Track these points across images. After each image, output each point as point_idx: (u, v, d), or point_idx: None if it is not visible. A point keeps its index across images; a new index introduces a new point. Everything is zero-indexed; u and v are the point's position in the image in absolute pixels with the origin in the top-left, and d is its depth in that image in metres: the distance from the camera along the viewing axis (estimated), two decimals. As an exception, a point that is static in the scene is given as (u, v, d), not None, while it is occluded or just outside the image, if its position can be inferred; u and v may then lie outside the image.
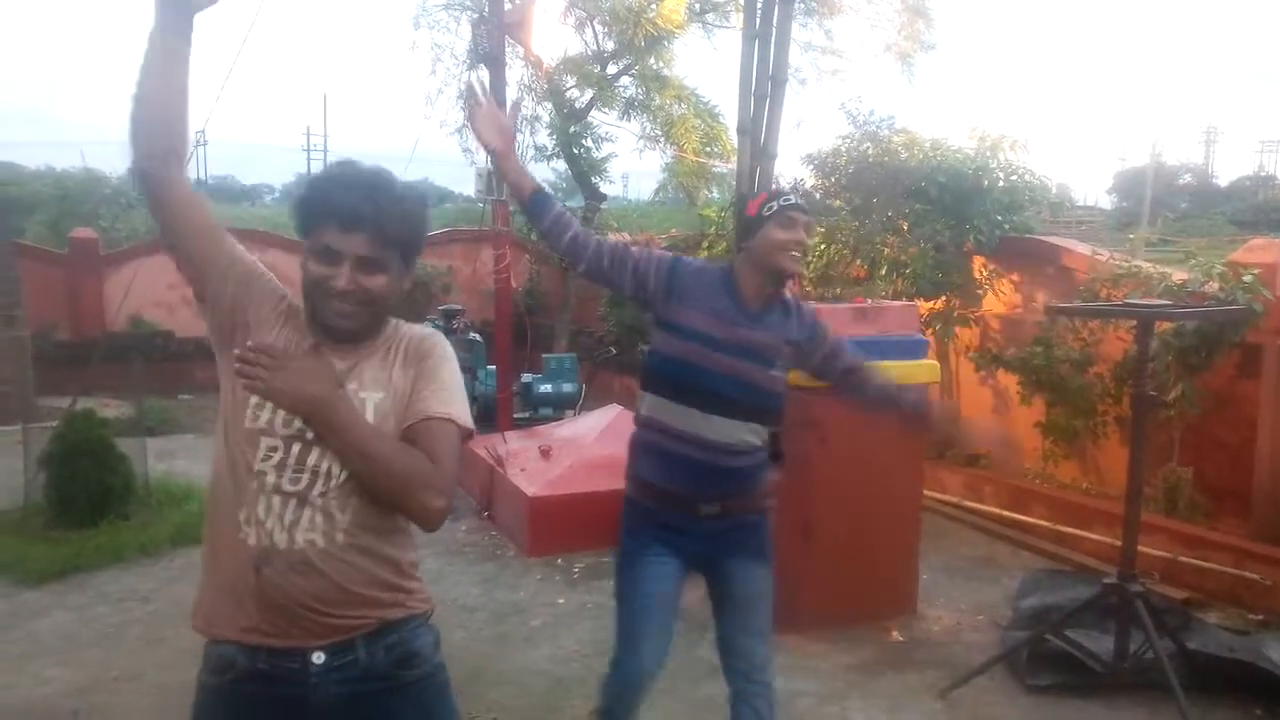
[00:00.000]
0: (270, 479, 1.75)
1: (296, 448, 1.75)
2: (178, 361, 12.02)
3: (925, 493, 5.63)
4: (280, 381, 1.71)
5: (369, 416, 1.78)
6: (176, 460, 7.87)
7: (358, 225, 1.74)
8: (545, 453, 6.45)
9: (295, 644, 1.76)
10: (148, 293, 12.65)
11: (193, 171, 26.75)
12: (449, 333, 8.91)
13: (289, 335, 1.83)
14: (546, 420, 8.27)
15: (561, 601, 5.06)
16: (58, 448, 5.94)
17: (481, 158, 9.87)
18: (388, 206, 1.77)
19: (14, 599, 5.06)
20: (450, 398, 1.85)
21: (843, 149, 7.58)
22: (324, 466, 1.75)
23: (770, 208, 2.75)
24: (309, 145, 46.98)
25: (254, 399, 1.76)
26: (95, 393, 8.15)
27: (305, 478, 1.75)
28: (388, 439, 1.78)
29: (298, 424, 1.75)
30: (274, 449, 1.75)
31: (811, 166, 7.70)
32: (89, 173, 22.08)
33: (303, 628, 1.75)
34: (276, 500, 1.74)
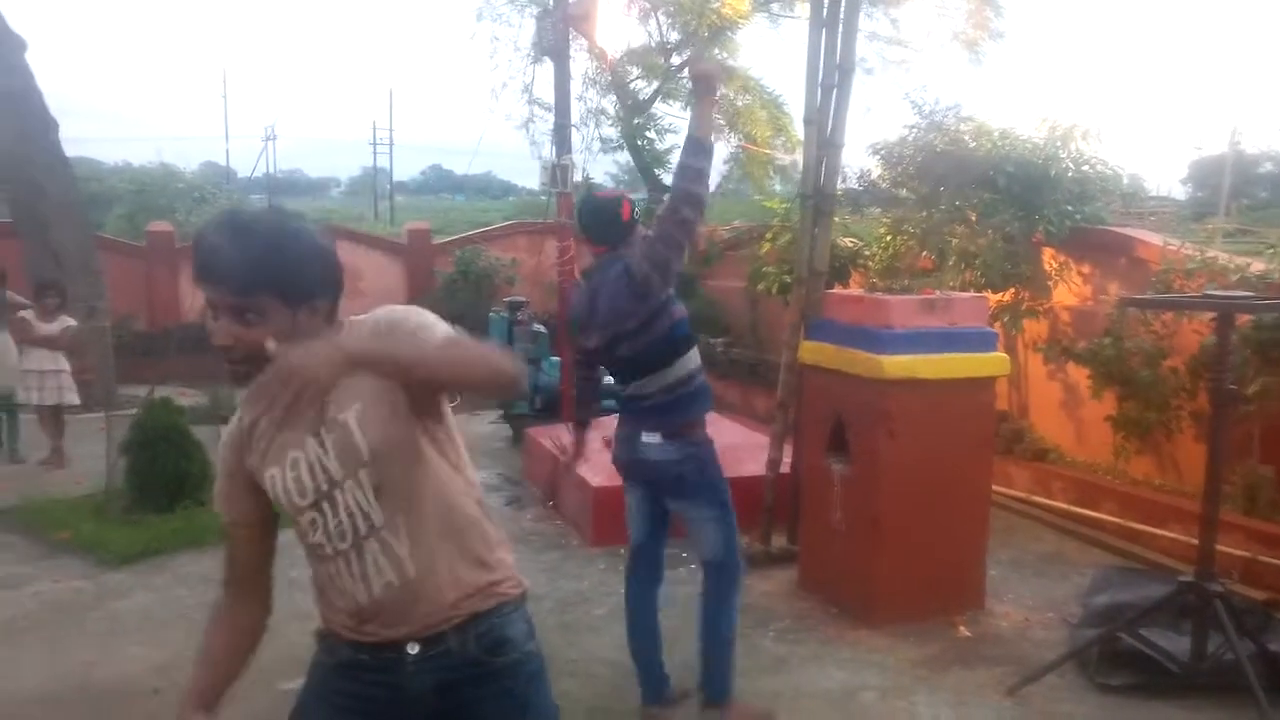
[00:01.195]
0: (327, 548, 1.79)
1: (326, 506, 1.78)
2: (250, 351, 12.31)
3: (993, 488, 5.56)
4: (304, 363, 1.56)
5: (355, 437, 1.73)
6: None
7: (216, 277, 1.67)
8: (608, 443, 6.47)
9: (392, 639, 1.82)
10: (221, 284, 12.94)
11: (261, 166, 27.27)
12: (514, 324, 9.00)
13: (259, 410, 1.84)
14: (609, 412, 8.29)
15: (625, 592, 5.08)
16: (137, 435, 6.13)
17: (547, 151, 9.95)
18: (243, 251, 1.66)
19: (98, 579, 5.24)
20: (428, 328, 1.75)
21: (909, 139, 7.49)
22: (353, 502, 1.76)
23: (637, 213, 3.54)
24: (375, 139, 47.51)
25: (279, 489, 1.79)
26: (171, 382, 8.37)
27: (348, 529, 1.77)
28: (424, 343, 1.72)
29: (312, 485, 1.77)
30: (313, 522, 1.79)
31: (878, 156, 7.61)
32: (165, 168, 22.71)
33: (403, 633, 1.82)
34: (341, 563, 1.79)
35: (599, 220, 3.56)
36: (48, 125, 10.20)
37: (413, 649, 1.80)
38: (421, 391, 1.77)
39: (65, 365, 7.73)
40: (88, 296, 9.81)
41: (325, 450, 1.76)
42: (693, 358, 3.53)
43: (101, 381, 9.22)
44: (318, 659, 1.92)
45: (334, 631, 1.87)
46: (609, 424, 7.17)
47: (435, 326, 1.76)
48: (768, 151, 12.50)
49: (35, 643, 4.44)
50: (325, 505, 1.77)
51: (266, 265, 1.67)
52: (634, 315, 3.39)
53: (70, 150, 10.72)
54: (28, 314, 7.61)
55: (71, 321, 7.87)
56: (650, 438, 3.53)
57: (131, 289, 12.46)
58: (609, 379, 9.17)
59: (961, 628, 4.60)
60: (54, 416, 7.75)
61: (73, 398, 7.78)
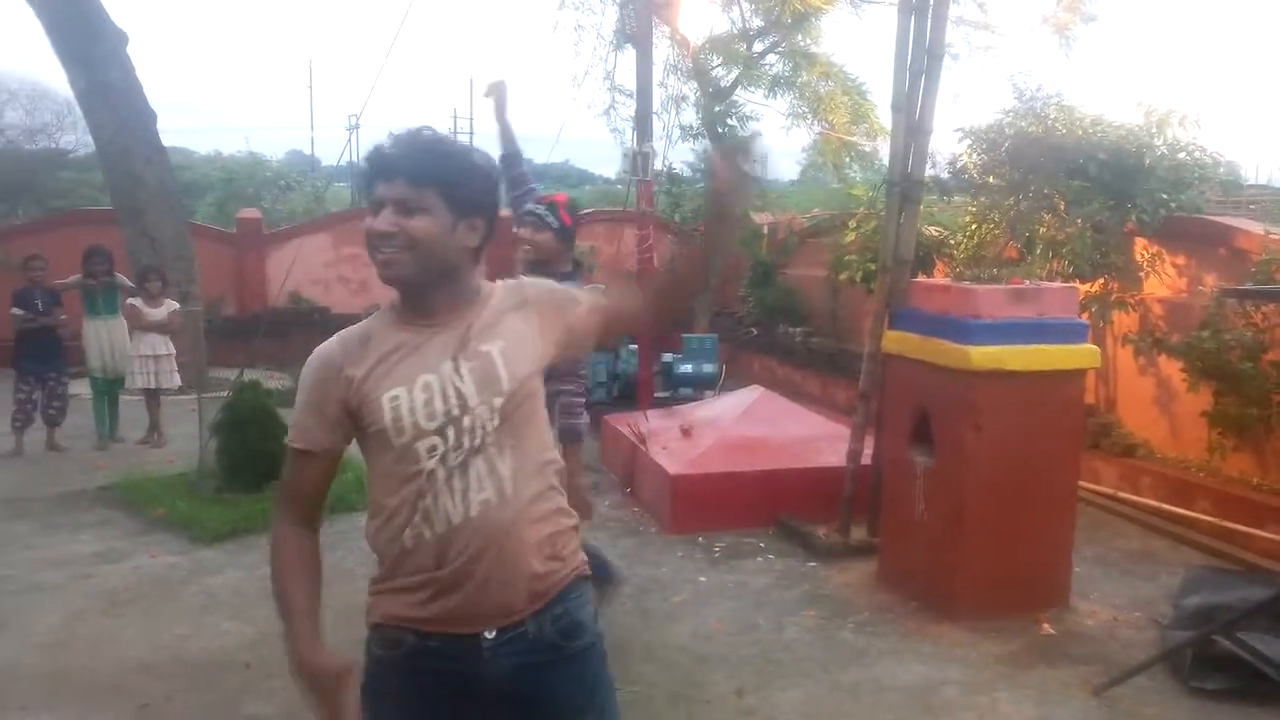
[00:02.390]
0: (440, 472, 1.79)
1: (451, 430, 1.79)
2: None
3: (1080, 483, 5.43)
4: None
5: (498, 367, 1.82)
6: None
7: (392, 171, 1.80)
8: (686, 432, 6.50)
9: (468, 628, 1.82)
10: (306, 270, 13.27)
11: (344, 156, 27.76)
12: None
13: (379, 343, 1.87)
14: (687, 400, 8.31)
15: (703, 580, 5.10)
16: (228, 416, 6.31)
17: (628, 139, 9.96)
18: (421, 149, 1.83)
19: (192, 555, 5.42)
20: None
21: (1005, 124, 7.31)
22: (478, 424, 1.80)
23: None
24: (455, 128, 48.02)
25: (401, 410, 1.79)
26: (259, 365, 8.61)
27: (465, 444, 1.79)
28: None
29: (442, 409, 1.79)
30: (433, 448, 1.79)
31: (969, 141, 7.45)
32: (252, 157, 23.25)
33: (479, 615, 1.81)
34: (443, 477, 1.79)
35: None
36: (147, 117, 10.52)
37: (489, 634, 1.81)
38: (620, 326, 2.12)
39: (174, 349, 7.99)
40: (182, 282, 10.13)
41: (461, 377, 1.81)
42: None
43: (194, 364, 9.51)
44: (376, 655, 1.90)
45: (395, 621, 1.85)
46: (686, 412, 7.22)
47: (577, 292, 2.04)
48: (848, 139, 12.34)
49: (135, 614, 4.62)
50: (450, 429, 1.79)
51: (440, 164, 1.82)
52: None
53: (165, 141, 11.04)
54: (136, 301, 7.88)
55: (176, 305, 8.14)
56: None
57: (221, 274, 12.80)
58: (685, 366, 9.18)
59: (1045, 625, 4.50)
60: (155, 398, 8.02)
61: (177, 380, 8.04)
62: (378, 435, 1.81)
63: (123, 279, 8.13)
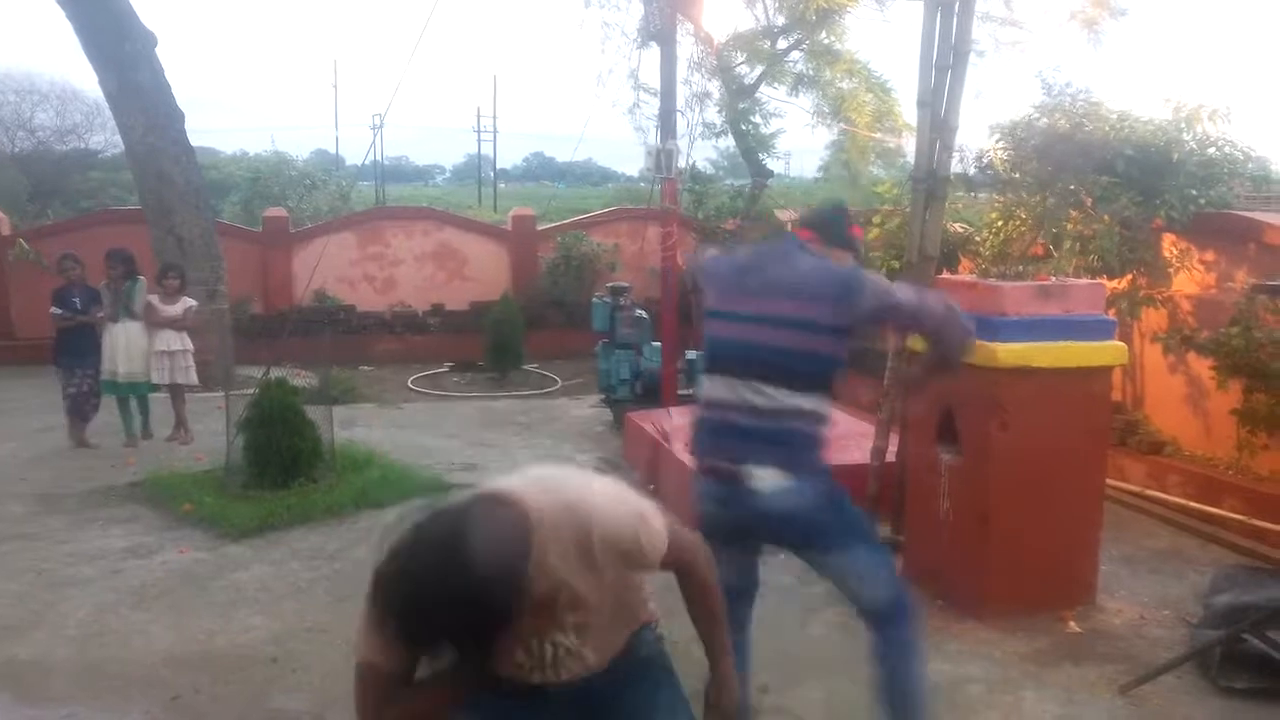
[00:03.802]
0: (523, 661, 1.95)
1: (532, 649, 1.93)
2: (358, 334, 12.67)
3: (1107, 481, 5.39)
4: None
5: (575, 639, 1.95)
6: (357, 428, 8.31)
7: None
8: (709, 429, 6.48)
9: None
10: (332, 269, 13.36)
11: (369, 155, 27.97)
12: (616, 309, 9.06)
13: None
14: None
15: (726, 576, 5.09)
16: (254, 413, 6.36)
17: (652, 137, 9.96)
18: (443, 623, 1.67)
19: (218, 551, 5.47)
20: (642, 539, 1.98)
21: (1034, 120, 7.26)
22: (566, 644, 1.95)
23: None
24: (479, 126, 48.26)
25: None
26: (285, 363, 8.66)
27: (549, 655, 1.95)
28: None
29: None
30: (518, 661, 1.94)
31: (998, 136, 7.41)
32: (278, 156, 23.45)
33: None
34: (531, 666, 1.95)
35: (829, 218, 3.19)
36: (175, 117, 10.63)
37: None
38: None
39: (190, 345, 8.07)
40: (209, 280, 10.23)
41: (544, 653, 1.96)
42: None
43: (221, 362, 9.61)
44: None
45: None
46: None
47: (648, 535, 1.96)
48: (873, 135, 12.29)
49: (163, 609, 4.67)
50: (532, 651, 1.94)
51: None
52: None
53: (192, 140, 11.14)
54: (152, 298, 7.96)
55: (193, 302, 8.19)
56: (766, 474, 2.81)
57: (248, 273, 12.92)
58: (690, 355, 9.11)
59: (1071, 623, 4.47)
60: (179, 394, 8.10)
61: (192, 377, 8.11)
62: None
63: (141, 281, 8.16)
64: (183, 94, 10.84)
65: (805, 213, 3.23)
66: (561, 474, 1.97)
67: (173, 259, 9.44)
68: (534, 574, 1.73)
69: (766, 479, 2.75)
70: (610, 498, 1.93)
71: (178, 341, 7.96)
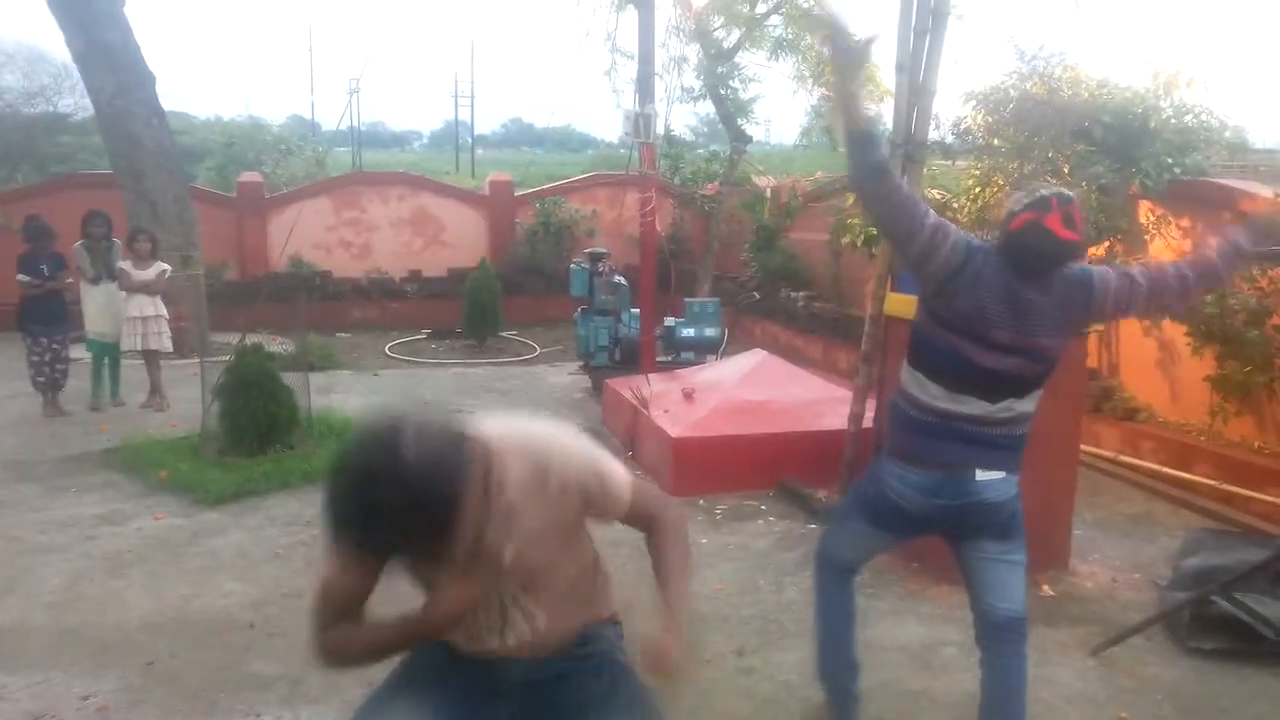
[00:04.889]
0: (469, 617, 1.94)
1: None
2: (335, 300, 12.59)
3: (1081, 447, 5.43)
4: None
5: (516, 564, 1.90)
6: (334, 394, 8.27)
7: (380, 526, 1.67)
8: (688, 395, 6.50)
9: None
10: (308, 234, 13.25)
11: (345, 120, 27.61)
12: (594, 275, 9.03)
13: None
14: (689, 364, 8.31)
15: (704, 541, 5.12)
16: (230, 380, 6.31)
17: (627, 100, 9.88)
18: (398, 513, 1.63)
19: (195, 518, 5.45)
20: (606, 478, 1.98)
21: (1009, 86, 7.25)
22: (512, 596, 1.95)
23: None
24: (457, 92, 47.79)
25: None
26: (261, 329, 8.60)
27: (495, 610, 1.95)
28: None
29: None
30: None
31: (974, 103, 7.39)
32: (253, 121, 23.15)
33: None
34: (483, 619, 1.95)
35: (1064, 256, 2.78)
36: (146, 79, 10.43)
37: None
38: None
39: (164, 311, 7.98)
40: (182, 246, 10.09)
41: (509, 620, 1.98)
42: None
43: (196, 328, 9.51)
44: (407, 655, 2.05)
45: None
46: (688, 375, 7.21)
47: (608, 475, 1.94)
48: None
49: (139, 575, 4.65)
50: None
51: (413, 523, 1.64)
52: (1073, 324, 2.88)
53: (165, 104, 10.94)
54: (124, 264, 7.86)
55: (165, 266, 8.09)
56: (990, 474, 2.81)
57: (223, 239, 12.77)
58: (688, 330, 9.11)
59: (1045, 586, 4.53)
60: (154, 360, 8.03)
61: (166, 344, 8.03)
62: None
63: (118, 243, 8.07)
64: (154, 56, 10.65)
65: (1045, 247, 2.72)
66: (529, 420, 1.97)
67: (145, 223, 9.31)
68: (486, 488, 1.72)
69: (990, 474, 2.80)
70: (575, 440, 1.95)
71: (151, 307, 7.87)
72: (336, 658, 1.91)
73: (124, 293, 7.79)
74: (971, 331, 2.73)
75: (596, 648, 2.03)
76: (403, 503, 1.58)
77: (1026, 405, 2.83)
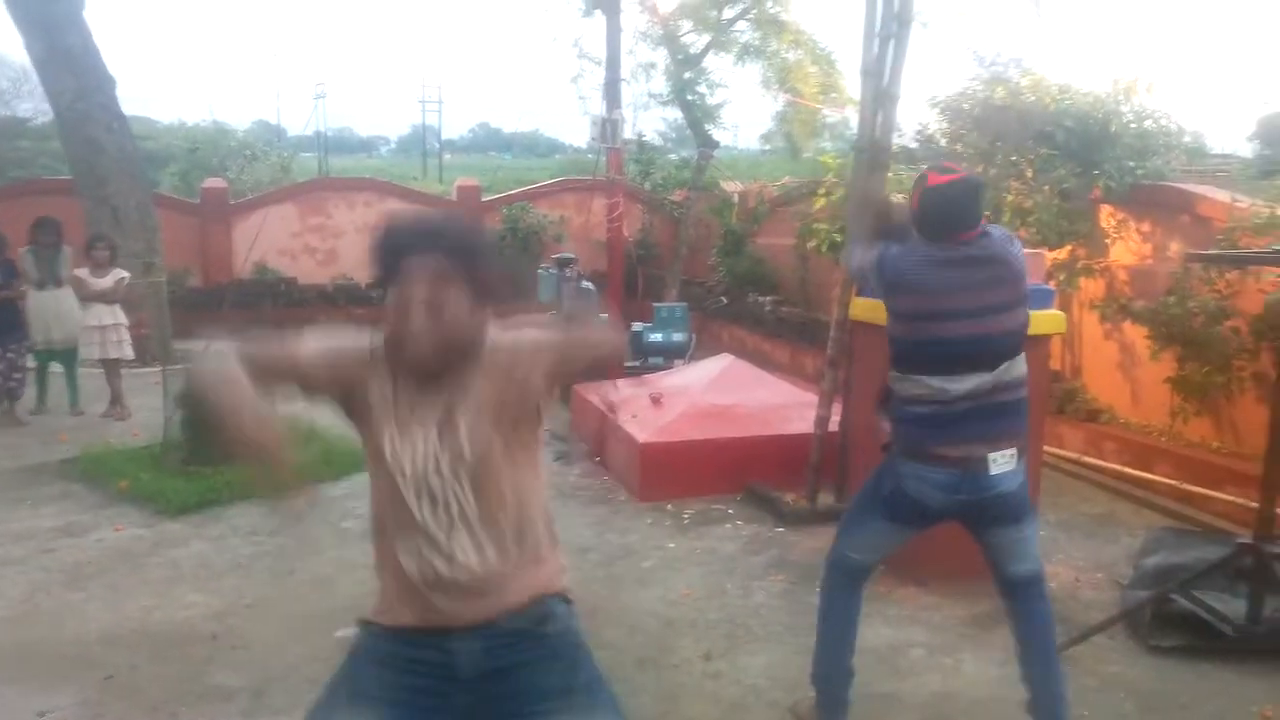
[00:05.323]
0: (418, 515, 1.87)
1: (426, 488, 1.88)
2: (300, 307, 12.47)
3: (1044, 448, 5.49)
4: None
5: (463, 436, 1.87)
6: (299, 403, 8.18)
7: (431, 244, 1.85)
8: (656, 400, 6.50)
9: (443, 625, 1.92)
10: (273, 240, 13.13)
11: (311, 125, 27.42)
12: (562, 280, 9.00)
13: (382, 385, 1.92)
14: (657, 369, 8.31)
15: (672, 546, 5.12)
16: (193, 388, 6.23)
17: (596, 106, 9.88)
18: (459, 230, 1.92)
19: (156, 528, 5.37)
20: (535, 329, 2.01)
21: (970, 91, 7.32)
22: (453, 494, 1.88)
23: None
24: (424, 97, 47.61)
25: (393, 449, 1.88)
26: (225, 336, 8.49)
27: (441, 512, 1.88)
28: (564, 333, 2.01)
29: (421, 465, 1.87)
30: (415, 492, 1.88)
31: (938, 109, 7.46)
32: (217, 126, 22.93)
33: (453, 626, 1.91)
34: (427, 538, 1.87)
35: (976, 201, 3.02)
36: (106, 83, 10.30)
37: (460, 637, 1.90)
38: (557, 384, 2.03)
39: (123, 319, 7.87)
40: (144, 253, 9.97)
41: (441, 445, 1.88)
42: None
43: (157, 336, 9.39)
44: (354, 653, 1.99)
45: (383, 618, 1.95)
46: (656, 380, 7.21)
47: (531, 334, 1.98)
48: (817, 105, 12.31)
49: (99, 587, 4.57)
50: (426, 487, 1.88)
51: (473, 246, 1.90)
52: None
53: (127, 109, 10.81)
54: (81, 271, 7.74)
55: (124, 273, 7.97)
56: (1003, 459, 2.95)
57: (186, 245, 12.61)
58: (655, 335, 9.09)
59: (1010, 588, 4.55)
60: (114, 369, 7.91)
61: (127, 351, 7.92)
62: (375, 456, 1.92)
63: (66, 250, 7.94)
64: (116, 61, 10.53)
65: (952, 197, 2.99)
66: None
67: (107, 230, 9.18)
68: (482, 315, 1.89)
69: (1003, 461, 2.93)
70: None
71: (110, 315, 7.76)
72: (215, 378, 1.93)
73: (81, 301, 7.68)
74: (932, 312, 2.94)
75: (554, 628, 1.96)
76: (451, 226, 1.90)
77: (1020, 367, 3.02)
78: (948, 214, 2.95)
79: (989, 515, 3.01)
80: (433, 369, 1.86)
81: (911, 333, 3.00)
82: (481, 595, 1.88)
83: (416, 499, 1.86)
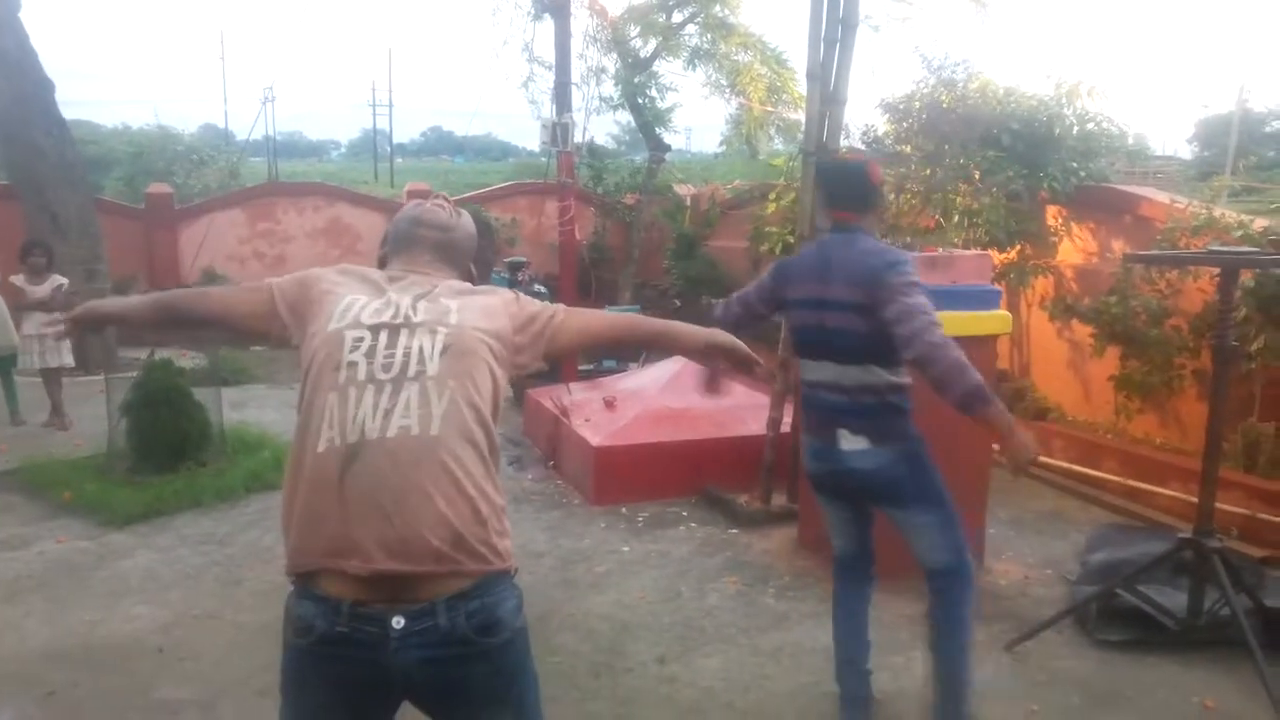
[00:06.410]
0: (361, 369, 1.80)
1: (385, 334, 1.84)
2: (250, 314, 12.29)
3: (993, 446, 5.55)
4: None
5: (450, 311, 1.92)
6: (249, 410, 8.08)
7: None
8: (610, 404, 6.49)
9: (377, 606, 1.76)
10: (221, 246, 12.96)
11: (260, 129, 27.09)
12: (514, 284, 8.97)
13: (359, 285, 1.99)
14: (611, 372, 8.30)
15: (626, 549, 5.12)
16: (138, 396, 6.12)
17: (547, 110, 9.87)
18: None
19: (101, 540, 5.25)
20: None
21: (917, 94, 7.41)
22: (416, 345, 1.83)
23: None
24: (374, 101, 47.22)
25: (353, 304, 1.91)
26: (171, 344, 8.37)
27: (398, 359, 1.82)
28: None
29: (386, 315, 1.87)
30: (360, 339, 1.84)
31: (885, 113, 7.54)
32: (162, 130, 22.58)
33: (365, 550, 1.74)
34: (370, 390, 1.78)
35: (847, 184, 3.22)
36: (44, 87, 10.07)
37: (398, 623, 1.75)
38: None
39: (62, 326, 7.70)
40: (87, 259, 9.77)
41: (415, 310, 1.90)
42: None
43: (101, 343, 9.20)
44: (291, 642, 1.86)
45: (304, 572, 1.84)
46: (610, 383, 7.20)
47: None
48: (768, 109, 12.38)
49: (40, 602, 4.46)
50: (384, 333, 1.85)
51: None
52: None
53: (68, 113, 10.58)
54: (17, 279, 7.56)
55: (62, 280, 7.80)
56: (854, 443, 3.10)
57: (132, 251, 12.39)
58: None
59: (961, 585, 4.60)
60: (54, 378, 7.74)
61: (68, 359, 7.76)
62: (323, 323, 1.89)
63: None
64: (54, 63, 10.29)
65: (827, 186, 3.37)
66: None
67: (46, 237, 8.98)
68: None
69: (852, 439, 3.09)
70: None
71: (48, 324, 7.59)
72: (174, 299, 2.38)
73: (16, 309, 7.50)
74: (789, 299, 3.26)
75: (495, 616, 1.82)
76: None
77: (869, 379, 3.08)
78: (822, 183, 3.53)
79: (852, 489, 3.20)
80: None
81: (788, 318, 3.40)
82: (407, 470, 1.77)
83: (364, 347, 1.84)
